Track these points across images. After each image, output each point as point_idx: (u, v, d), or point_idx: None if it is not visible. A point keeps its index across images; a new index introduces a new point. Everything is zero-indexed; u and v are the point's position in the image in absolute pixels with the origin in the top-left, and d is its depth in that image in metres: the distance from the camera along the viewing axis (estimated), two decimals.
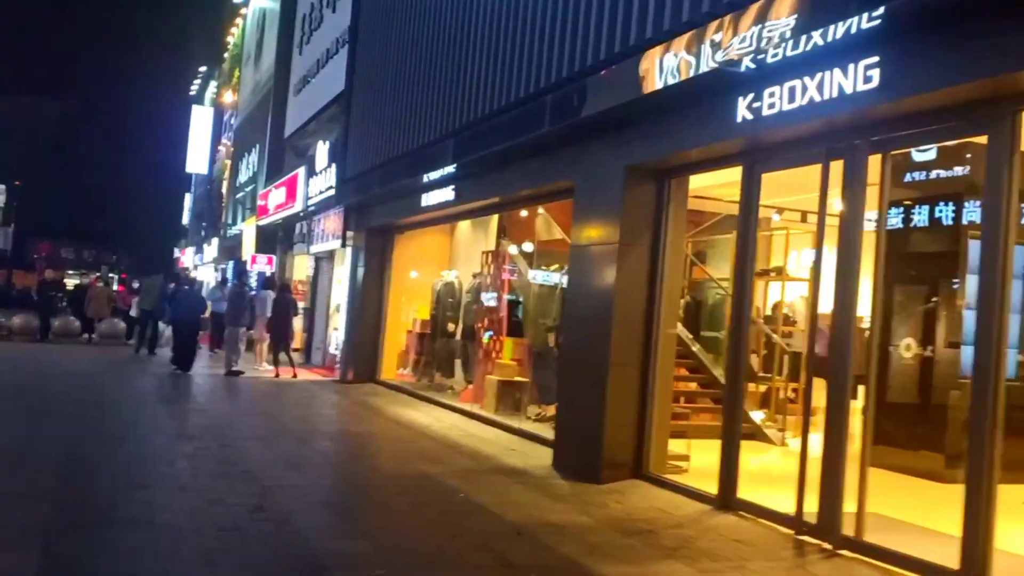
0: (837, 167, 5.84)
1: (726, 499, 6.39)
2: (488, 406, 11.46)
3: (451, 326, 13.77)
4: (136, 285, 22.55)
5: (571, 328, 8.44)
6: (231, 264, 32.05)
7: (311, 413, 11.62)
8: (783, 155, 6.38)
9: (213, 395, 12.82)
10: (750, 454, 8.82)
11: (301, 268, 22.33)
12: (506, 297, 12.36)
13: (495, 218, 13.69)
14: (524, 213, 12.83)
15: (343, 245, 16.30)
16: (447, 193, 11.95)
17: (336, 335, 17.89)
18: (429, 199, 12.61)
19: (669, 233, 7.61)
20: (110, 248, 70.14)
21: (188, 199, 55.08)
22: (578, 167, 8.36)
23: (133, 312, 20.55)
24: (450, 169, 11.47)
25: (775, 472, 7.65)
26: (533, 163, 9.41)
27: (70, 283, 31.34)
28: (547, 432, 9.85)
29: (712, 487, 6.82)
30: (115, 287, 31.04)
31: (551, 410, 10.77)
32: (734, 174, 7.83)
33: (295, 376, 15.53)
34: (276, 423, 10.31)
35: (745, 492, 6.43)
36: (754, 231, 6.66)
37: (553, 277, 12.01)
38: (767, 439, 9.74)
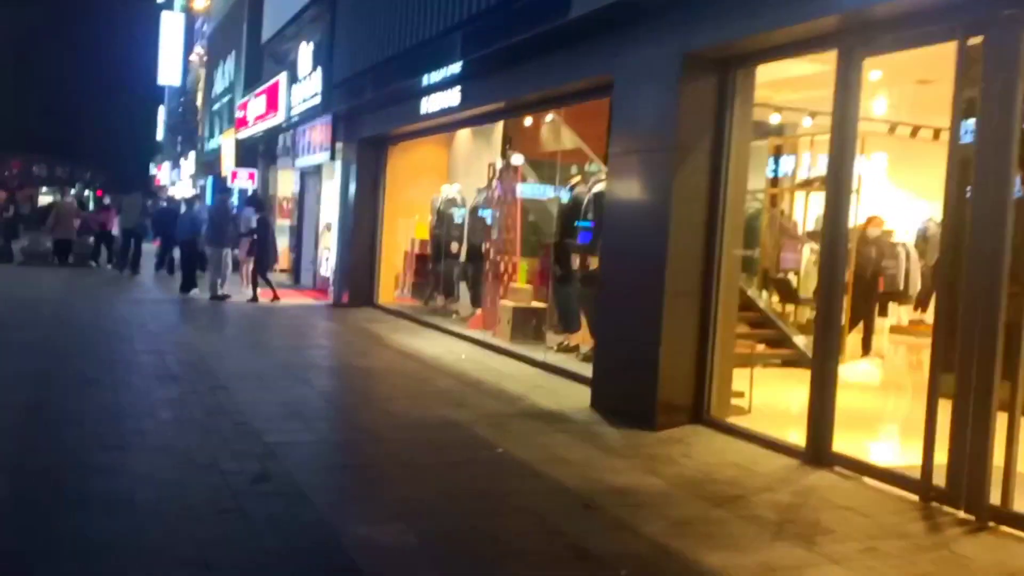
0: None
1: (818, 452, 5.39)
2: (502, 334, 10.41)
3: (454, 246, 12.61)
4: (107, 202, 20.89)
5: (613, 250, 7.29)
6: (210, 180, 30.48)
7: (308, 344, 10.53)
8: (898, 33, 5.14)
9: (198, 324, 11.69)
10: (800, 385, 7.89)
11: (286, 183, 20.91)
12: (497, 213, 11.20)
13: (499, 127, 12.36)
14: (528, 121, 11.55)
15: (332, 158, 14.95)
16: (451, 97, 10.59)
17: (327, 255, 16.70)
18: (429, 105, 11.26)
19: (734, 135, 6.41)
20: (84, 165, 67.72)
21: (162, 112, 52.63)
22: (619, 58, 7.07)
23: (115, 231, 19.57)
24: (455, 69, 10.12)
25: (854, 412, 6.64)
26: (558, 56, 8.08)
27: (44, 200, 29.70)
28: (573, 364, 8.86)
29: (786, 433, 5.86)
30: (91, 205, 29.14)
31: (575, 339, 9.74)
32: (792, 67, 6.69)
33: (275, 299, 14.33)
34: (271, 357, 9.21)
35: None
36: (853, 131, 5.46)
37: (547, 191, 10.91)
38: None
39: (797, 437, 5.70)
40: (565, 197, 9.98)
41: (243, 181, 21.97)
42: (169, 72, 39.18)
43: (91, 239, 19.95)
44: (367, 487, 4.99)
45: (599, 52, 7.44)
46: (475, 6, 9.00)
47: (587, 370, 8.39)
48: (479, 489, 4.88)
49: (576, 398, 7.48)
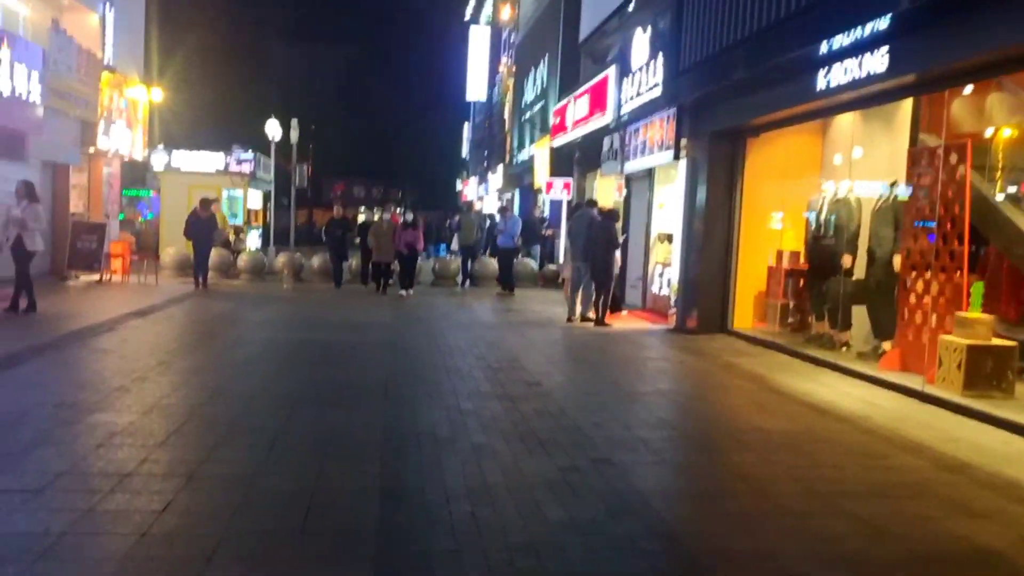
0: None
1: None
2: (948, 383, 7.56)
3: (847, 259, 9.91)
4: (410, 218, 17.72)
5: None
6: (517, 192, 29.89)
7: (678, 388, 8.35)
8: None
9: (540, 356, 10.01)
10: None
11: (604, 192, 19.20)
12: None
13: (906, 104, 9.46)
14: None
15: (675, 157, 12.80)
16: (873, 63, 7.94)
17: (660, 271, 14.61)
18: (831, 78, 8.70)
19: None
20: (396, 184, 72.36)
21: (467, 129, 54.24)
22: None
23: (454, 246, 20.39)
24: (882, 25, 7.50)
25: None
26: None
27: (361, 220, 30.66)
28: None
29: None
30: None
31: None
32: None
33: (598, 323, 12.66)
34: (643, 409, 7.16)
35: None
36: None
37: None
38: None
39: None
40: None
41: (557, 192, 20.60)
42: (477, 87, 39.65)
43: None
44: None
45: None
46: None
47: None
48: None
49: None
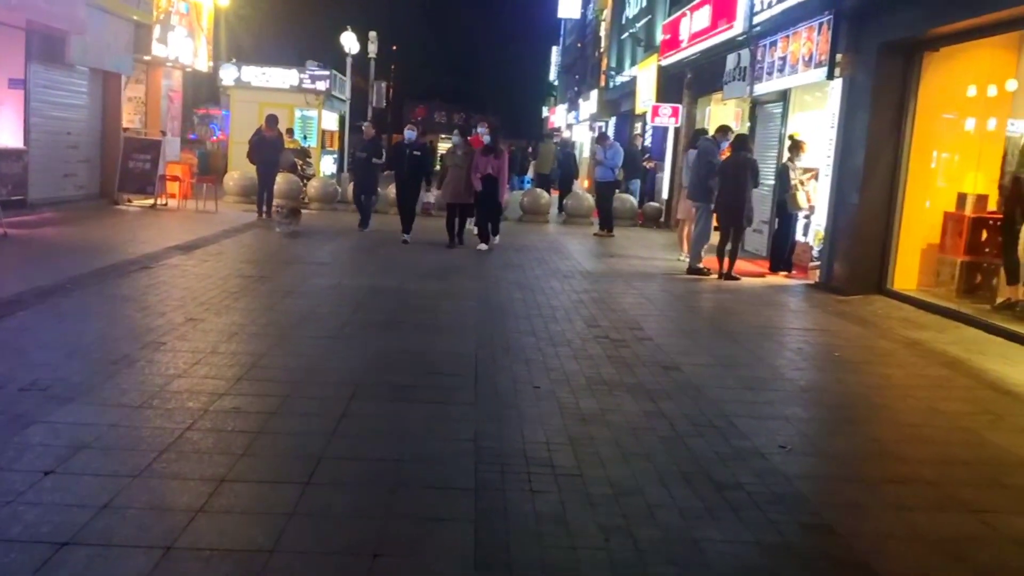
0: None
1: None
2: None
3: None
4: (487, 139, 12.60)
5: None
6: (612, 121, 27.41)
7: (871, 384, 6.04)
8: None
9: (668, 324, 7.98)
10: None
11: (718, 120, 16.71)
12: None
13: None
14: None
15: (830, 76, 10.36)
16: None
17: (798, 215, 12.28)
18: None
19: None
20: (478, 111, 70.07)
21: (555, 53, 51.16)
22: None
23: (530, 175, 18.55)
24: None
25: None
26: None
27: (442, 147, 28.63)
28: None
29: None
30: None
31: None
32: None
33: (726, 276, 10.67)
34: (844, 422, 5.12)
35: None
36: None
37: None
38: None
39: None
40: None
41: (664, 118, 18.16)
42: (569, 2, 36.59)
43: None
44: None
45: None
46: None
47: None
48: None
49: None
